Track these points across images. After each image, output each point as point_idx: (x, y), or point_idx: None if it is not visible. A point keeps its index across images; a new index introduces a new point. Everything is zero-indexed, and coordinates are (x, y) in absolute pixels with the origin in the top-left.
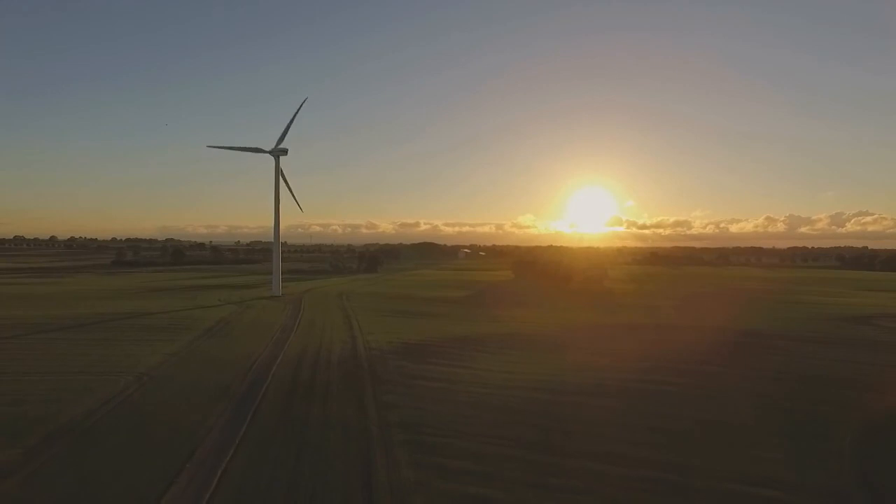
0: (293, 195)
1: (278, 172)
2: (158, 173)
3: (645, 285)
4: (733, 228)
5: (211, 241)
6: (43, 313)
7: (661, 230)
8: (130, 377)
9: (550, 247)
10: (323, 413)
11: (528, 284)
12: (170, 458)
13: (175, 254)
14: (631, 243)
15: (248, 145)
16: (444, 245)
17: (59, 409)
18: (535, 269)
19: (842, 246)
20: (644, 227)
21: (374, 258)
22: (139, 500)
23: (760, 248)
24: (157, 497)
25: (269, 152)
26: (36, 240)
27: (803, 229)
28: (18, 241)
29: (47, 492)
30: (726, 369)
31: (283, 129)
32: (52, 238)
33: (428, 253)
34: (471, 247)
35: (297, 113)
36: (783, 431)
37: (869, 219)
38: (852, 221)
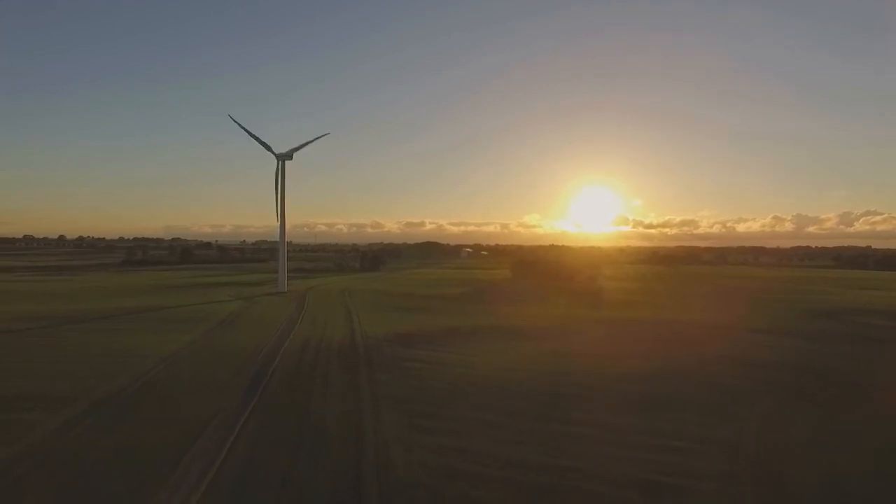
0: (282, 203)
1: (283, 175)
2: (161, 173)
3: (637, 284)
4: (740, 228)
5: (217, 241)
6: (67, 307)
7: (667, 230)
8: (156, 359)
9: (552, 246)
10: (323, 388)
11: (525, 283)
12: (197, 417)
13: (183, 253)
14: (637, 243)
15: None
16: (447, 244)
17: (98, 384)
18: (533, 268)
19: (845, 245)
20: (650, 226)
21: (377, 257)
22: (175, 446)
23: (762, 248)
24: (192, 441)
25: (277, 155)
26: (45, 239)
27: (811, 229)
28: (28, 240)
29: (102, 440)
30: (687, 355)
31: (300, 145)
32: (62, 237)
33: (430, 252)
34: (473, 246)
35: (317, 139)
36: (717, 404)
37: (878, 218)
38: (861, 221)
